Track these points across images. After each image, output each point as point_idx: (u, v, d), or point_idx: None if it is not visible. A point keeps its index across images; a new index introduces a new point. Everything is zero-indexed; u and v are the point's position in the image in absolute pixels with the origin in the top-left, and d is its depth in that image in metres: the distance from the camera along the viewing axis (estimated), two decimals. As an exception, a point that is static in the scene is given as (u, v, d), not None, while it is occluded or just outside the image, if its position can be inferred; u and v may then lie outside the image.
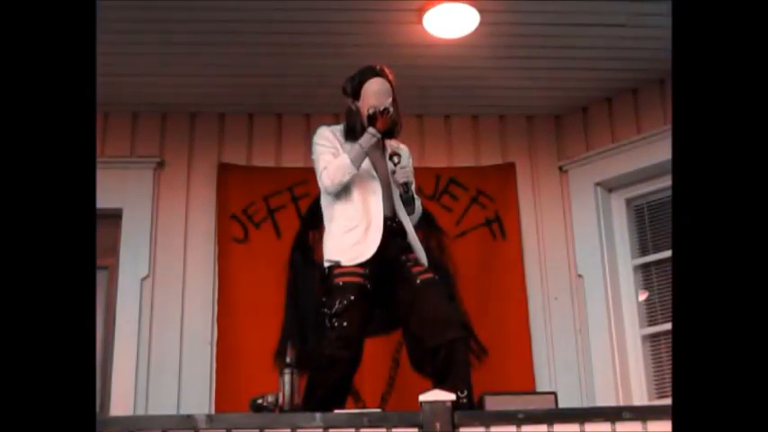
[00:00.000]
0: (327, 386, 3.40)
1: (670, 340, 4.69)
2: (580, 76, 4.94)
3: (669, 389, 4.61)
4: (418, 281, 3.54)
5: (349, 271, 3.49)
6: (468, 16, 4.40)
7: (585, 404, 4.60)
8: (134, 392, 4.62)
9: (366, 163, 3.63)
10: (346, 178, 3.56)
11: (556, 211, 5.16)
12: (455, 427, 2.85)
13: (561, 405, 3.38)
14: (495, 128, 5.29)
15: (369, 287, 3.48)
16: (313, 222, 4.82)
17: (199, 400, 4.58)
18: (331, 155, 3.61)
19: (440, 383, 3.22)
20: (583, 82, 5.02)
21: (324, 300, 3.51)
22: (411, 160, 3.81)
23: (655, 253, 4.95)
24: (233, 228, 4.96)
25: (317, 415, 2.94)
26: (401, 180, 3.61)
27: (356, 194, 3.60)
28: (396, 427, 2.88)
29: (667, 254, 4.81)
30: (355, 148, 3.57)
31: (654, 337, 4.86)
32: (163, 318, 4.79)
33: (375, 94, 3.65)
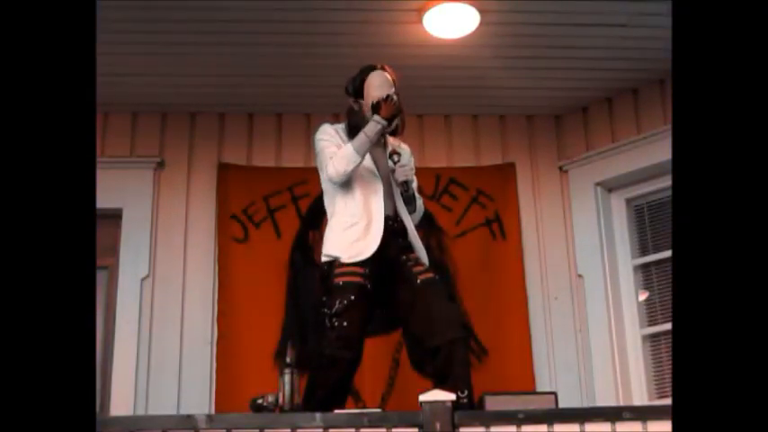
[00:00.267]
0: (327, 386, 3.40)
1: (670, 340, 4.69)
2: (580, 76, 4.95)
3: (669, 389, 4.61)
4: (419, 281, 3.54)
5: (349, 271, 3.49)
6: (469, 16, 4.40)
7: (585, 404, 4.60)
8: (134, 392, 4.62)
9: (369, 162, 3.63)
10: (351, 167, 3.54)
11: (556, 211, 5.16)
12: (455, 427, 2.85)
13: (561, 405, 3.38)
14: (495, 128, 5.29)
15: (369, 287, 3.48)
16: (313, 222, 4.83)
17: (199, 400, 4.58)
18: (335, 147, 3.61)
19: (440, 383, 3.22)
20: (583, 82, 5.02)
21: (324, 299, 3.52)
22: (413, 160, 3.81)
23: (655, 253, 4.95)
24: (233, 228, 4.96)
25: (317, 415, 2.94)
26: (400, 179, 3.61)
27: (358, 191, 3.60)
28: (396, 427, 2.88)
29: (667, 254, 4.81)
30: (360, 136, 3.56)
31: (654, 337, 4.86)
32: (163, 318, 4.79)
33: (377, 86, 3.66)
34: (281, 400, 3.23)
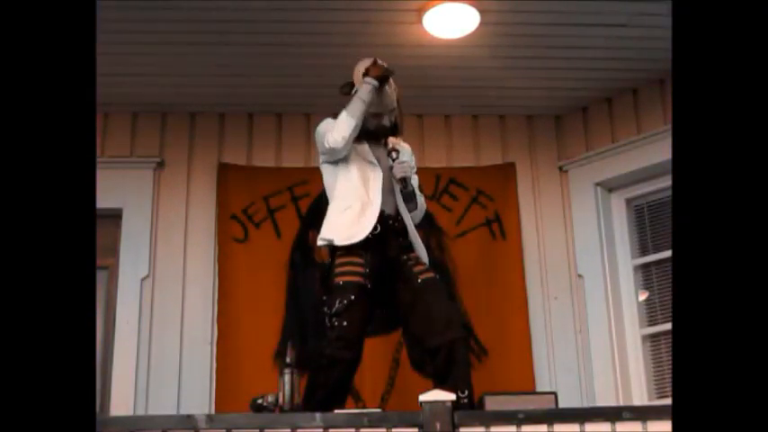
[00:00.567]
0: (327, 386, 3.39)
1: (670, 340, 4.69)
2: (580, 76, 4.94)
3: (669, 389, 4.61)
4: (419, 280, 3.54)
5: (349, 270, 3.49)
6: (469, 16, 4.40)
7: (585, 404, 4.60)
8: (134, 392, 4.62)
9: (371, 157, 3.64)
10: (348, 132, 3.54)
11: (556, 211, 5.16)
12: (455, 427, 2.85)
13: (561, 405, 3.38)
14: (496, 128, 5.29)
15: (369, 286, 3.48)
16: (313, 222, 4.81)
17: (199, 400, 4.58)
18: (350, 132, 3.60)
19: (440, 383, 3.22)
20: (583, 82, 5.02)
21: (324, 299, 3.52)
22: (414, 158, 3.81)
23: (655, 253, 4.95)
24: (233, 228, 4.96)
25: (317, 415, 2.94)
26: (399, 175, 3.61)
27: (356, 177, 3.60)
28: (396, 427, 2.88)
29: (667, 254, 4.81)
30: (353, 100, 3.58)
31: (654, 337, 4.86)
32: (163, 318, 4.79)
33: (363, 63, 3.70)
34: (281, 400, 3.23)
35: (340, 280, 3.49)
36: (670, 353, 4.69)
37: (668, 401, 4.04)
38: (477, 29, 4.47)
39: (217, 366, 4.69)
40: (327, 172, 3.71)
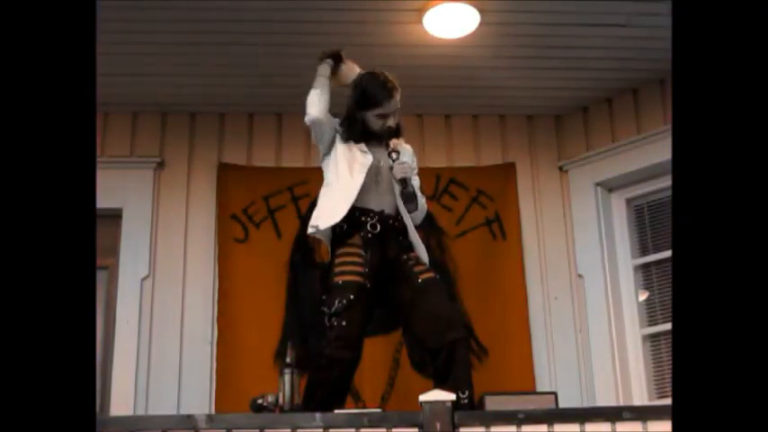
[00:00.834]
0: (327, 386, 3.39)
1: (670, 340, 4.69)
2: (580, 76, 4.95)
3: (669, 389, 4.61)
4: (419, 280, 3.53)
5: (349, 270, 3.49)
6: (469, 16, 4.40)
7: (585, 404, 4.60)
8: (134, 392, 4.62)
9: (369, 159, 3.64)
10: (314, 100, 3.60)
11: (556, 211, 5.16)
12: (455, 427, 2.84)
13: (561, 405, 3.38)
14: (496, 128, 5.29)
15: (368, 286, 3.47)
16: (313, 222, 4.82)
17: (199, 400, 4.58)
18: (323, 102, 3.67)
19: (440, 384, 3.21)
20: (583, 82, 5.02)
21: (323, 299, 3.51)
22: (415, 160, 3.81)
23: (655, 253, 4.95)
24: (233, 228, 4.96)
25: (317, 415, 2.94)
26: (399, 175, 3.59)
27: (344, 166, 3.61)
28: (396, 427, 2.88)
29: (667, 254, 4.81)
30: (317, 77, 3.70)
31: (654, 337, 4.86)
32: (163, 318, 4.79)
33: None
34: (281, 400, 3.23)
35: (339, 279, 3.48)
36: (670, 353, 4.69)
37: (668, 401, 4.04)
38: (477, 29, 4.47)
39: (217, 366, 4.70)
40: (325, 169, 3.72)
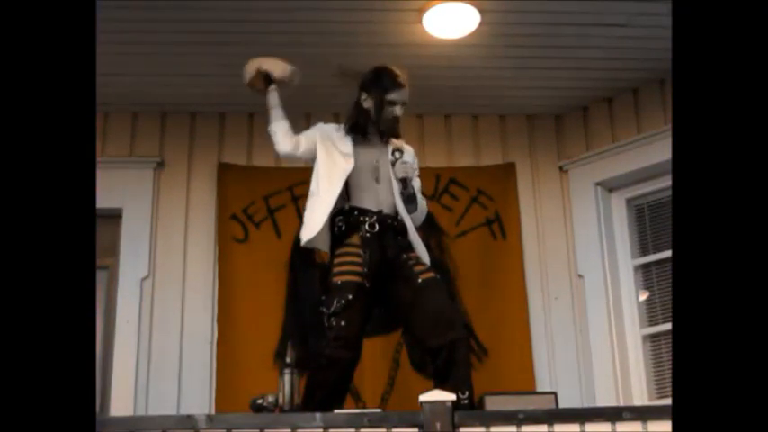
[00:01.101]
0: (326, 386, 3.39)
1: (670, 340, 4.69)
2: (580, 76, 4.94)
3: (669, 389, 4.61)
4: (419, 280, 3.53)
5: (348, 270, 3.49)
6: (469, 16, 4.40)
7: (585, 404, 4.59)
8: (134, 392, 4.62)
9: (365, 161, 3.63)
10: (277, 140, 3.75)
11: (556, 211, 5.15)
12: (455, 427, 2.84)
13: (561, 405, 3.38)
14: (496, 128, 5.29)
15: (367, 286, 3.47)
16: (313, 222, 4.81)
17: (199, 400, 4.58)
18: (290, 135, 3.76)
19: (441, 384, 3.21)
20: (583, 82, 5.02)
21: (323, 299, 3.51)
22: (416, 161, 3.81)
23: (655, 253, 4.95)
24: (233, 228, 4.96)
25: (317, 415, 2.94)
26: (400, 175, 3.60)
27: (323, 173, 3.63)
28: (396, 427, 2.88)
29: (667, 254, 4.81)
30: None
31: (654, 337, 4.86)
32: (163, 318, 4.79)
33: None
34: (281, 400, 3.23)
35: (338, 279, 3.48)
36: (670, 353, 4.69)
37: (668, 401, 4.04)
38: (477, 29, 4.47)
39: (217, 366, 4.69)
40: (311, 177, 3.74)
